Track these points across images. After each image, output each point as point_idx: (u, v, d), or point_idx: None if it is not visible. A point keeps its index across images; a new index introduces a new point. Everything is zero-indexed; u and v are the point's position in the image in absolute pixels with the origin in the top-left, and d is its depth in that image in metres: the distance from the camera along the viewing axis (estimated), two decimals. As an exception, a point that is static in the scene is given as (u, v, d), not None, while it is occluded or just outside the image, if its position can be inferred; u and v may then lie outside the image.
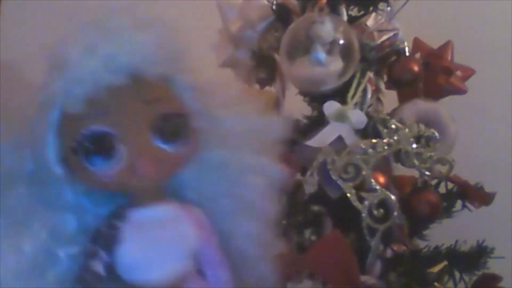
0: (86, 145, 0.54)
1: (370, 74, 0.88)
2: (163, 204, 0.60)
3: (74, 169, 0.56)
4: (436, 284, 0.84)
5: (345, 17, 0.89)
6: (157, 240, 0.58)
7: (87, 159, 0.55)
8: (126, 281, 0.58)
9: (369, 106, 0.89)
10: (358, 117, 0.85)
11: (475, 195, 0.91)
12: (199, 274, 0.62)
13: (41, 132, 0.56)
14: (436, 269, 0.84)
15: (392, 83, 0.92)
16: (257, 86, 0.98)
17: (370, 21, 0.88)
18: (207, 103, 0.61)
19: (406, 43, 0.91)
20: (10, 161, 0.57)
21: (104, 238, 0.57)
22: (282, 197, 0.66)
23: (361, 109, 0.87)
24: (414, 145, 0.84)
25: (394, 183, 0.87)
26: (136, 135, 0.55)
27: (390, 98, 0.92)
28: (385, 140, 0.83)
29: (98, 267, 0.56)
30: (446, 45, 0.95)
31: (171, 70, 0.58)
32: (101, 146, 0.55)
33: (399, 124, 0.84)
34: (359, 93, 0.86)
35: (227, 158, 0.63)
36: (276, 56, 0.92)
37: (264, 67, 0.95)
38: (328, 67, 0.84)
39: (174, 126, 0.57)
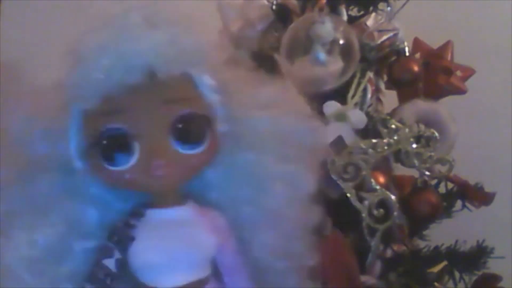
0: (102, 142, 0.54)
1: (370, 74, 0.88)
2: (182, 206, 0.59)
3: (92, 166, 0.56)
4: (436, 284, 0.84)
5: (345, 17, 0.89)
6: (171, 243, 0.56)
7: (103, 156, 0.55)
8: (138, 279, 0.57)
9: (369, 106, 0.89)
10: (358, 117, 0.85)
11: (475, 195, 0.91)
12: (219, 280, 0.61)
13: (64, 125, 0.56)
14: (436, 269, 0.84)
15: (392, 83, 0.92)
16: (257, 86, 0.98)
17: (370, 21, 0.88)
18: (234, 104, 0.59)
19: (406, 43, 0.91)
20: (42, 148, 0.57)
21: (119, 235, 0.56)
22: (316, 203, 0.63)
23: (361, 109, 0.87)
24: (414, 145, 0.84)
25: (394, 183, 0.87)
26: (153, 135, 0.54)
27: (390, 98, 0.92)
28: (385, 140, 0.83)
29: (111, 264, 0.56)
30: (446, 45, 0.95)
31: (191, 69, 0.57)
32: (116, 144, 0.54)
33: (399, 124, 0.84)
34: (359, 93, 0.86)
35: (253, 161, 0.60)
36: (276, 56, 0.92)
37: (264, 67, 0.95)
38: (328, 67, 0.84)
39: (193, 128, 0.56)
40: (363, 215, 0.81)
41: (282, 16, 0.93)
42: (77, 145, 0.56)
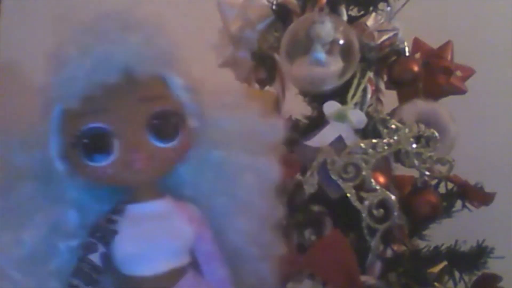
0: (84, 141, 0.57)
1: (370, 74, 0.88)
2: (158, 200, 0.63)
3: (74, 165, 0.60)
4: (436, 284, 0.83)
5: (345, 17, 0.89)
6: (151, 233, 0.60)
7: (85, 154, 0.58)
8: (121, 273, 0.61)
9: (369, 106, 0.89)
10: (358, 117, 0.85)
11: (475, 195, 0.91)
12: (197, 271, 0.64)
13: (44, 129, 0.60)
14: (436, 269, 0.84)
15: (392, 83, 0.92)
16: (257, 86, 0.98)
17: (370, 21, 0.88)
18: (203, 104, 0.63)
19: (406, 43, 0.91)
20: (20, 159, 0.61)
21: (102, 231, 0.60)
22: (280, 196, 0.68)
23: (361, 109, 0.87)
24: (414, 145, 0.84)
25: (394, 183, 0.87)
26: (131, 131, 0.58)
27: (390, 98, 0.92)
28: (385, 140, 0.83)
29: (95, 258, 0.59)
30: (446, 45, 0.95)
31: (164, 70, 0.61)
32: (97, 141, 0.58)
33: (399, 124, 0.84)
34: (359, 93, 0.86)
35: (223, 158, 0.65)
36: (276, 56, 0.92)
37: (264, 67, 0.95)
38: (328, 67, 0.84)
39: (167, 124, 0.60)
40: (363, 215, 0.81)
41: (282, 16, 0.93)
42: (57, 146, 0.60)
